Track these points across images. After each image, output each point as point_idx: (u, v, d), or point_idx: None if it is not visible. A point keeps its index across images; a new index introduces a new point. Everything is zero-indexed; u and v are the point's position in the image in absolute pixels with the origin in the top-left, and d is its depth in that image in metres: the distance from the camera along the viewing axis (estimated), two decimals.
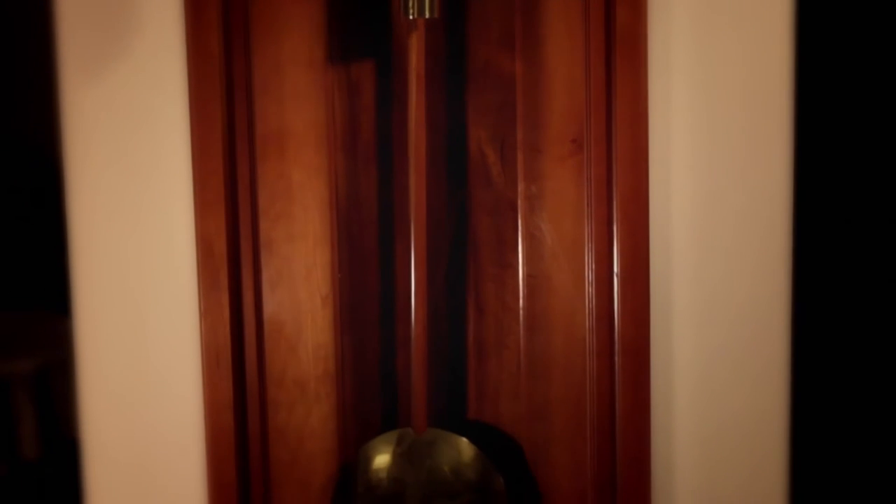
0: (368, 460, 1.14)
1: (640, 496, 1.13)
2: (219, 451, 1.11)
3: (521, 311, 1.15)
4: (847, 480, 1.29)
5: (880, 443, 1.30)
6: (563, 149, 1.13)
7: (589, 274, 1.13)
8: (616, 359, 1.12)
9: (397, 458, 1.14)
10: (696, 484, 1.20)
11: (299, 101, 1.13)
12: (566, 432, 1.16)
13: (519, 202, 1.14)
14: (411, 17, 1.07)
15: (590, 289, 1.13)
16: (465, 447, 1.14)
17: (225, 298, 1.11)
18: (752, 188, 1.16)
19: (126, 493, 1.17)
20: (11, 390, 1.19)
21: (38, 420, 1.21)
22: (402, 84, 1.12)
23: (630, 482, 1.14)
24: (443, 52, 1.14)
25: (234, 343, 1.11)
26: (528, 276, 1.14)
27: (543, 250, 1.14)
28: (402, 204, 1.14)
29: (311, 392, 1.14)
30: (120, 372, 1.15)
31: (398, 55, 1.13)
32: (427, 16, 1.07)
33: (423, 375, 1.09)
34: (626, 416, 1.12)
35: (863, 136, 1.26)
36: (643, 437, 1.13)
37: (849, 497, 1.28)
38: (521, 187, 1.14)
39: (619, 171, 1.11)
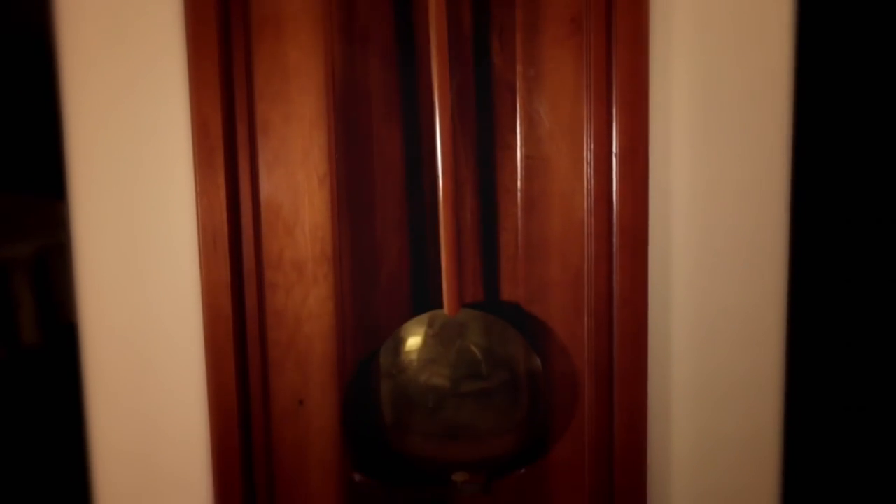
0: (401, 342, 1.14)
1: (636, 377, 1.14)
2: (216, 332, 1.11)
3: (518, 193, 1.14)
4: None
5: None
6: (563, 28, 1.12)
7: (587, 154, 1.12)
8: (614, 241, 1.12)
9: (429, 340, 1.14)
10: (693, 369, 1.20)
11: None
12: (564, 314, 1.16)
13: (517, 83, 1.13)
14: None
15: (588, 169, 1.12)
16: (500, 327, 1.14)
17: (221, 179, 1.10)
18: (754, 70, 1.15)
19: (124, 377, 1.18)
20: (10, 275, 1.19)
21: (36, 305, 1.21)
22: None
23: (627, 364, 1.14)
24: None
25: (231, 224, 1.11)
26: (527, 157, 1.13)
27: (542, 132, 1.13)
28: (407, 86, 1.13)
29: (308, 274, 1.14)
30: (117, 255, 1.15)
31: None
32: None
33: (454, 256, 1.09)
34: (623, 297, 1.12)
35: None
36: (640, 318, 1.13)
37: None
38: (519, 69, 1.13)
39: (618, 50, 1.09)
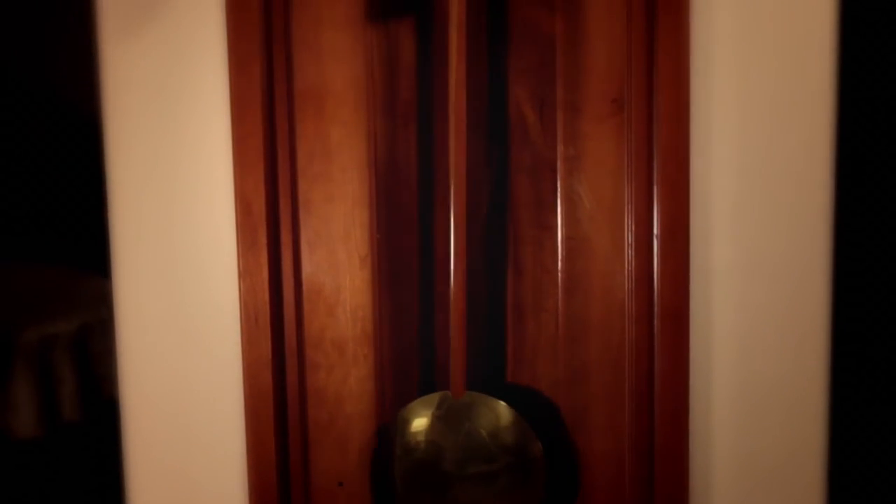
0: (406, 423, 1.14)
1: (677, 460, 1.13)
2: (258, 410, 1.12)
3: (559, 274, 1.14)
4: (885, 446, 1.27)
5: None
6: (604, 108, 1.12)
7: (628, 236, 1.12)
8: (655, 322, 1.11)
9: (435, 422, 1.14)
10: (735, 447, 1.19)
11: (338, 59, 1.12)
12: (604, 396, 1.15)
13: (558, 163, 1.13)
14: None
15: (629, 251, 1.12)
16: (503, 411, 1.13)
17: (264, 258, 1.11)
18: (794, 147, 1.14)
19: (165, 453, 1.18)
20: (52, 352, 1.20)
21: (77, 381, 1.22)
22: (443, 42, 1.11)
23: (668, 446, 1.13)
24: (483, 11, 1.13)
25: (273, 303, 1.11)
26: (567, 238, 1.13)
27: (582, 212, 1.13)
28: (441, 164, 1.13)
29: (349, 353, 1.14)
30: (159, 332, 1.16)
31: (439, 12, 1.12)
32: None
33: (462, 338, 1.09)
34: (664, 379, 1.12)
35: None
36: (681, 402, 1.12)
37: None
38: (560, 148, 1.13)
39: (659, 131, 1.09)
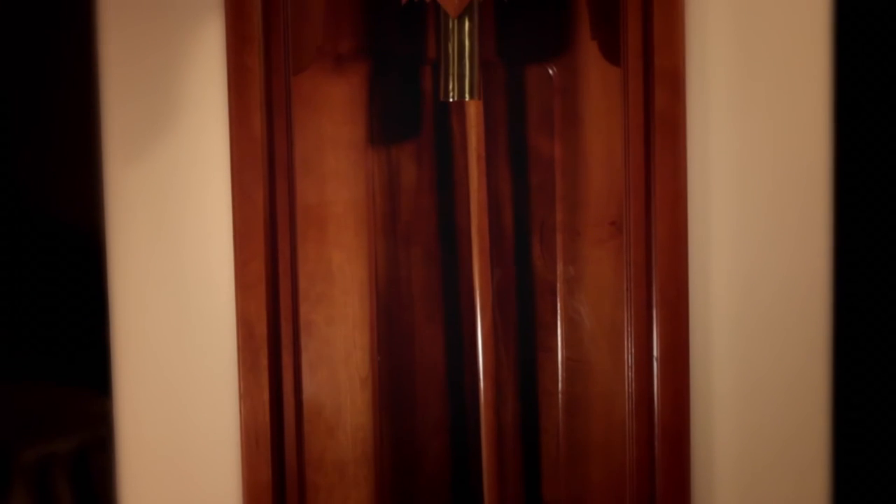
0: None
1: None
2: None
3: (560, 395, 1.14)
4: None
5: None
6: (603, 231, 1.14)
7: (628, 357, 1.13)
8: (656, 444, 1.12)
9: None
10: None
11: (340, 181, 1.14)
12: None
13: (558, 285, 1.14)
14: (451, 99, 1.08)
15: (629, 372, 1.13)
16: None
17: (264, 380, 1.11)
18: (792, 268, 1.16)
19: None
20: (51, 470, 1.19)
21: (76, 500, 1.21)
22: (443, 166, 1.13)
23: None
24: (481, 134, 1.14)
25: (274, 425, 1.11)
26: (568, 360, 1.14)
27: (583, 333, 1.14)
28: (445, 286, 1.14)
29: (349, 475, 1.14)
30: (159, 452, 1.16)
31: (438, 137, 1.14)
32: (467, 98, 1.08)
33: (495, 459, 1.10)
34: (665, 501, 1.11)
35: None
36: None
37: None
38: (559, 270, 1.14)
39: (658, 254, 1.10)
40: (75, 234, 1.18)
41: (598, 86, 1.13)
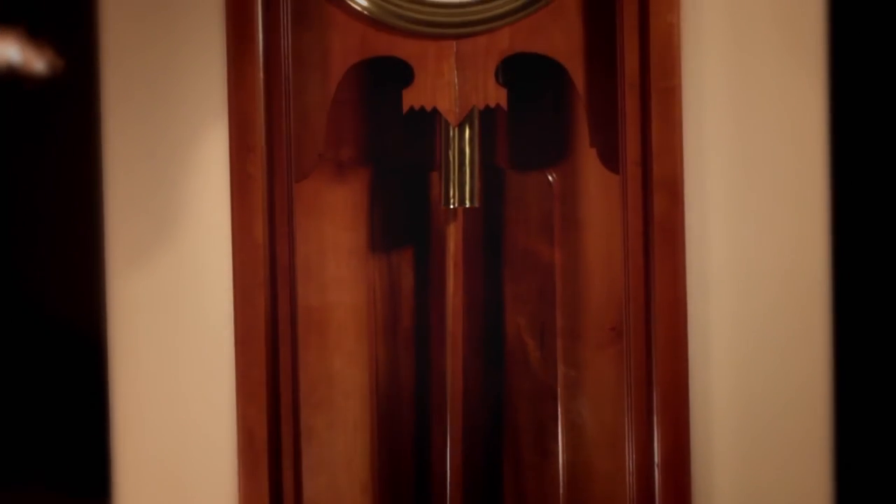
0: None
1: None
2: None
3: (560, 501, 1.14)
4: None
5: None
6: (603, 336, 1.14)
7: (629, 463, 1.12)
8: None
9: None
10: None
11: (341, 286, 1.14)
12: None
13: (559, 389, 1.14)
14: (452, 206, 1.09)
15: (630, 479, 1.12)
16: None
17: (265, 486, 1.10)
18: (791, 371, 1.16)
19: None
20: None
21: None
22: (440, 271, 1.14)
23: None
24: (480, 239, 1.15)
25: None
26: (569, 465, 1.14)
27: (584, 438, 1.14)
28: (439, 390, 1.14)
29: None
30: None
31: (436, 242, 1.15)
32: (468, 205, 1.09)
33: None
34: None
35: None
36: None
37: None
38: (560, 374, 1.14)
39: (658, 360, 1.10)
40: (77, 336, 1.18)
41: (598, 192, 1.14)
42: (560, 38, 1.08)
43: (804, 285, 1.16)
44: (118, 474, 1.15)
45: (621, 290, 1.13)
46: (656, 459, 1.11)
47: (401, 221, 1.15)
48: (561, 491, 1.14)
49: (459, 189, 1.09)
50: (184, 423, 1.15)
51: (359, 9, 1.06)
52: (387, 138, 1.15)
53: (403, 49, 1.07)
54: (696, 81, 1.14)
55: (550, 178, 1.15)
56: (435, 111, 1.06)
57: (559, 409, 1.14)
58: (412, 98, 1.06)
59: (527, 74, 1.11)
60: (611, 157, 1.13)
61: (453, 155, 1.09)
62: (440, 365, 1.14)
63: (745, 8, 1.17)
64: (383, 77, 1.11)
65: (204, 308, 1.14)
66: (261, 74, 1.06)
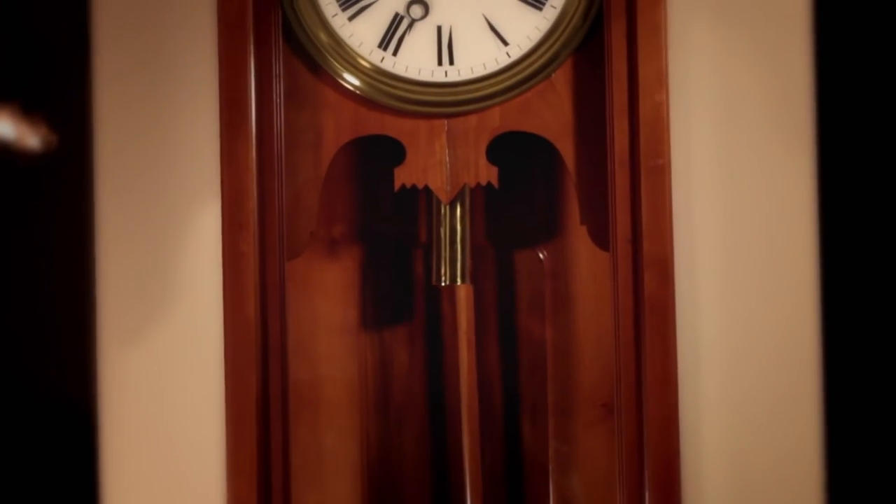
0: None
1: None
2: None
3: None
4: None
5: None
6: (594, 413, 1.14)
7: None
8: None
9: None
10: None
11: (333, 363, 1.15)
12: None
13: (550, 465, 1.14)
14: (443, 284, 1.09)
15: None
16: None
17: None
18: (783, 453, 1.16)
19: None
20: None
21: None
22: (433, 348, 1.14)
23: None
24: (472, 317, 1.15)
25: None
26: None
27: None
28: (436, 467, 1.14)
29: None
30: None
31: (428, 319, 1.15)
32: (458, 282, 1.10)
33: None
34: None
35: None
36: None
37: None
38: (551, 450, 1.14)
39: (649, 437, 1.10)
40: (69, 413, 1.18)
41: (588, 270, 1.15)
42: (550, 117, 1.09)
43: (796, 361, 1.16)
44: None
45: (612, 367, 1.14)
46: None
47: (392, 299, 1.16)
48: None
49: (450, 267, 1.10)
50: (174, 500, 1.14)
51: (351, 88, 1.08)
52: (378, 215, 1.16)
53: (395, 128, 1.08)
54: (685, 159, 1.15)
55: (541, 255, 1.16)
56: (426, 189, 1.07)
57: (550, 486, 1.14)
58: (404, 176, 1.07)
59: (517, 152, 1.12)
60: (601, 235, 1.14)
61: (444, 233, 1.10)
62: (437, 440, 1.14)
63: (733, 85, 1.18)
64: (375, 155, 1.12)
65: (195, 385, 1.14)
66: (253, 153, 1.07)
